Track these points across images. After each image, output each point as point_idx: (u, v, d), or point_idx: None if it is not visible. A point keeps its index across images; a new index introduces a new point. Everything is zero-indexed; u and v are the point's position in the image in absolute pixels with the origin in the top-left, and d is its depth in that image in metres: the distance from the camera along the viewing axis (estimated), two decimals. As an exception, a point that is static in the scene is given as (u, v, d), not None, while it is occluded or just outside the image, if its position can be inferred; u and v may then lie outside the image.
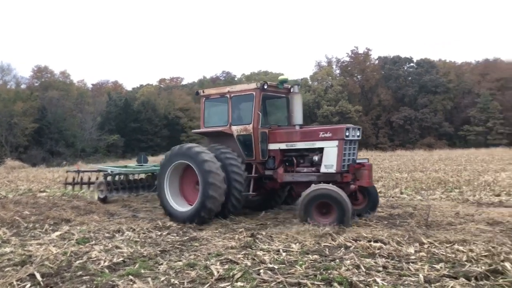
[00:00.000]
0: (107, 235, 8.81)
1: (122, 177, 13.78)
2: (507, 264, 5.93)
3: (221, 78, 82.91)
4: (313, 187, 8.94)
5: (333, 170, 9.43)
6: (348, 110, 64.17)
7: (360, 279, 5.63)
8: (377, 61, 73.09)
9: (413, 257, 6.64)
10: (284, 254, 6.91)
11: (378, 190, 11.70)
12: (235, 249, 7.31)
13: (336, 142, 9.46)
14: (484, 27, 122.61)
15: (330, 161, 9.48)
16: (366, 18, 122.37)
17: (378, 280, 5.60)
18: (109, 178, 13.50)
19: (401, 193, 14.15)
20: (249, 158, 10.31)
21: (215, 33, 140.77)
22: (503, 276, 5.62)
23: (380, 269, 6.09)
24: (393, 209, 11.04)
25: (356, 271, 5.98)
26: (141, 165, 15.54)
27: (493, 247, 6.98)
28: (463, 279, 5.57)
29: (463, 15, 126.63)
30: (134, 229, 9.20)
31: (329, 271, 5.92)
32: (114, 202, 13.57)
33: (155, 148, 60.21)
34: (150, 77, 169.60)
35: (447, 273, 5.81)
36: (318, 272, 5.92)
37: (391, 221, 9.66)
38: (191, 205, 10.03)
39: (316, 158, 9.83)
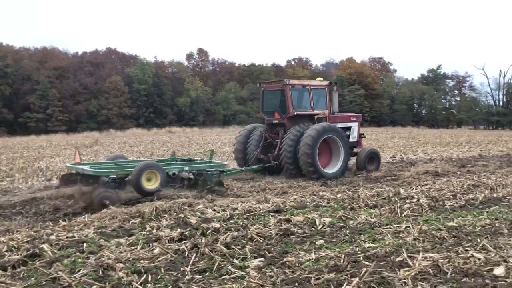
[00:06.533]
0: None
1: None
2: (45, 246, 6.20)
3: None
4: (366, 149, 15.07)
5: (355, 140, 15.24)
6: None
7: None
8: None
9: None
10: None
11: None
12: None
13: (357, 123, 15.42)
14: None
15: (354, 134, 15.20)
16: None
17: None
18: None
19: None
20: None
21: None
22: (40, 258, 5.83)
23: None
24: None
25: None
26: None
27: (35, 232, 7.16)
28: (0, 270, 5.41)
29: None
30: None
31: None
32: None
33: None
34: None
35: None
36: None
37: None
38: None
39: (348, 133, 14.88)
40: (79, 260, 5.70)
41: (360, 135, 15.85)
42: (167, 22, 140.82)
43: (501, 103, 74.90)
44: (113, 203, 9.07)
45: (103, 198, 9.16)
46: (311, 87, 14.09)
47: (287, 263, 5.49)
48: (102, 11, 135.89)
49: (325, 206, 8.90)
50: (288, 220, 7.61)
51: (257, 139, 14.28)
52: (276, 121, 14.16)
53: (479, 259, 5.51)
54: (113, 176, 10.00)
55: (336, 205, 8.95)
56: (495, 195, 9.90)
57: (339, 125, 14.61)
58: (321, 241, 6.49)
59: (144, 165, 10.27)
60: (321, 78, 15.56)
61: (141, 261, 5.64)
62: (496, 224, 7.28)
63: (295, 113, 13.60)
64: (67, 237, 6.83)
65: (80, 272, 5.23)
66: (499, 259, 5.48)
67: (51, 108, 60.96)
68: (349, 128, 15.17)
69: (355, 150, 15.21)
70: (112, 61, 74.04)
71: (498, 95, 75.47)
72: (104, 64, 70.65)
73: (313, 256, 5.76)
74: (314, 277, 4.99)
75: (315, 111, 14.14)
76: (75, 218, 8.28)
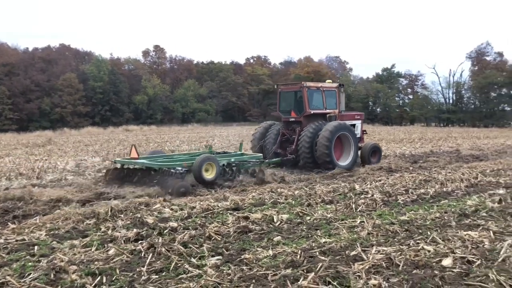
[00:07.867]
0: None
1: None
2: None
3: None
4: (369, 143, 16.35)
5: (358, 136, 16.35)
6: None
7: None
8: None
9: None
10: None
11: None
12: None
13: (360, 121, 16.98)
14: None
15: (358, 130, 16.55)
16: None
17: None
18: None
19: None
20: None
21: None
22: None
23: None
24: None
25: None
26: None
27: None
28: None
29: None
30: None
31: None
32: None
33: None
34: None
35: None
36: None
37: None
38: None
39: (353, 129, 15.83)
40: (29, 263, 5.50)
41: (363, 132, 17.27)
42: (122, 18, 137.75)
43: (451, 101, 77.86)
44: (188, 191, 10.45)
45: (181, 187, 10.40)
46: (324, 89, 15.64)
47: (245, 260, 5.51)
48: (54, 5, 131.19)
49: (283, 203, 9.00)
50: (246, 218, 7.64)
51: (274, 135, 15.65)
52: (292, 119, 15.57)
53: (429, 251, 5.74)
54: (184, 168, 11.31)
55: (293, 202, 9.06)
56: (444, 189, 10.32)
57: (346, 122, 15.87)
58: (279, 237, 6.56)
59: (204, 157, 11.64)
60: (330, 81, 17.51)
61: (96, 262, 5.51)
62: (445, 217, 7.60)
63: (312, 112, 15.07)
64: (16, 241, 6.58)
65: (30, 276, 5.05)
66: (447, 251, 5.72)
67: (0, 106, 58.33)
68: (354, 125, 16.56)
69: (359, 145, 16.29)
70: (66, 57, 71.58)
71: (448, 93, 78.40)
72: (57, 60, 68.21)
73: (270, 252, 5.82)
74: (271, 273, 5.03)
75: (327, 110, 15.73)
76: (25, 220, 7.97)
